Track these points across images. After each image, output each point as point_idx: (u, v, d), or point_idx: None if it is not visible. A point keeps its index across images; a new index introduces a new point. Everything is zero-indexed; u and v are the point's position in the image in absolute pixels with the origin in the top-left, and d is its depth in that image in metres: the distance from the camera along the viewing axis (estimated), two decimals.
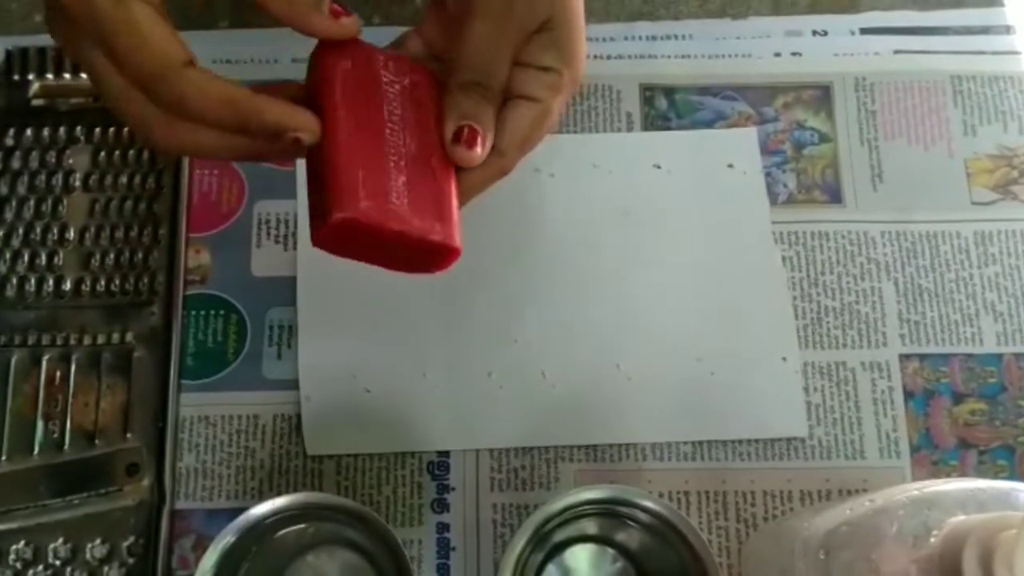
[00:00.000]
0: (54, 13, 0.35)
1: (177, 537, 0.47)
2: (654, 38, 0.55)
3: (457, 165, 0.38)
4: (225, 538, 0.40)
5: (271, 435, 0.48)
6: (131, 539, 0.46)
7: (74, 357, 0.49)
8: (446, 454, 0.48)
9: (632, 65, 0.55)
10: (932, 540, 0.34)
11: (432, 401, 0.49)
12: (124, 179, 0.51)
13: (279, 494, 0.41)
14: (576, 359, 0.49)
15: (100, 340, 0.49)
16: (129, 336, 0.49)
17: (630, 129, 0.54)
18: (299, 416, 0.48)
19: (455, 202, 0.37)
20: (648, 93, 0.54)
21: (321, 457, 0.48)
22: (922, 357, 0.50)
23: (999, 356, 0.50)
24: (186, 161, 0.52)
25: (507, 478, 0.48)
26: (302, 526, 0.44)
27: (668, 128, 0.53)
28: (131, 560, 0.46)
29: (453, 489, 0.48)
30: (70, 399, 0.48)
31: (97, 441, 0.47)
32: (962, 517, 0.34)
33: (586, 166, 0.52)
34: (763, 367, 0.50)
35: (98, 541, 0.46)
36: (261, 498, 0.40)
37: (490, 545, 0.47)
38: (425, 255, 0.37)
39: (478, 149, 0.37)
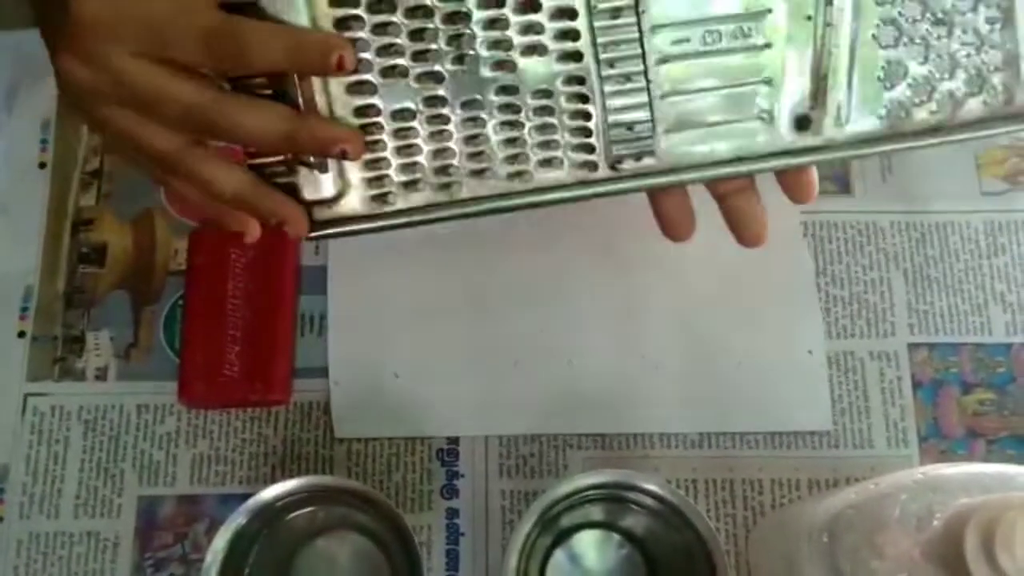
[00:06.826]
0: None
1: (191, 522, 0.48)
2: None
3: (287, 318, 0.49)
4: (236, 519, 0.40)
5: (284, 422, 0.49)
6: None
7: None
8: (455, 440, 0.49)
9: None
10: (935, 523, 0.34)
11: (456, 387, 0.49)
12: None
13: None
14: (603, 348, 0.50)
15: None
16: None
17: None
18: (312, 404, 0.49)
19: (282, 358, 0.48)
20: None
21: (332, 443, 0.49)
22: (931, 347, 0.50)
23: (1008, 346, 0.50)
24: None
25: (516, 465, 0.49)
26: (312, 509, 0.44)
27: None
28: None
29: (462, 475, 0.48)
30: None
31: None
32: (965, 500, 0.34)
33: None
34: (788, 360, 0.49)
35: None
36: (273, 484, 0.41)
37: (499, 531, 0.48)
38: (257, 404, 0.49)
39: None
